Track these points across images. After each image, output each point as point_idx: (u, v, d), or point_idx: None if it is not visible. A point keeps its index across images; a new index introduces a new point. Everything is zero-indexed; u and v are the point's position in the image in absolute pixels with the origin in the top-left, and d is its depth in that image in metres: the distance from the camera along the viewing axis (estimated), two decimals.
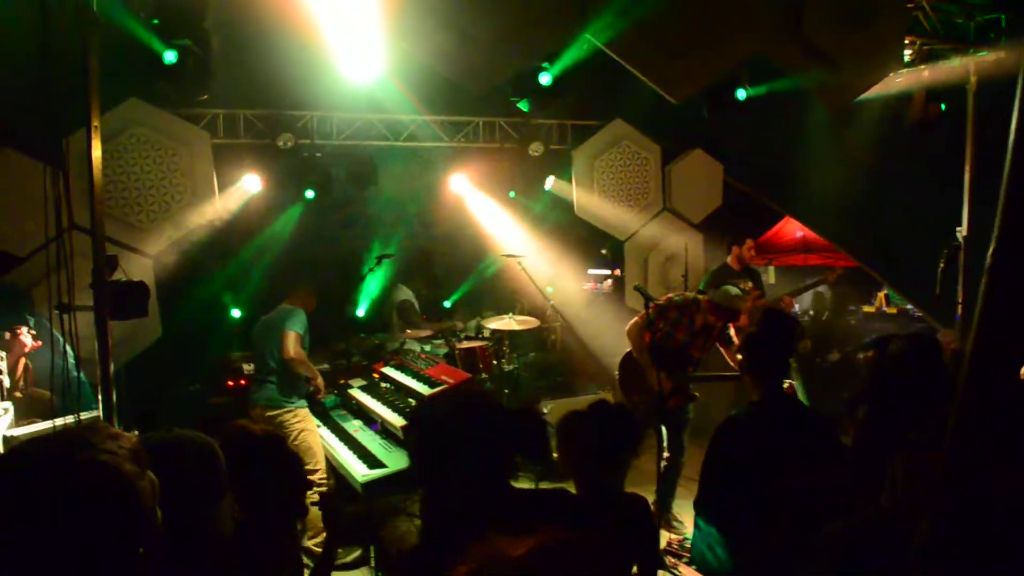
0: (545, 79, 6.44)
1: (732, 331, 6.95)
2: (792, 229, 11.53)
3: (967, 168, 7.33)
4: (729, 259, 8.69)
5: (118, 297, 4.96)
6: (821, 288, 11.01)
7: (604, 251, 11.29)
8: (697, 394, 6.86)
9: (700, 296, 6.80)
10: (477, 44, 5.04)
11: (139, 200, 7.42)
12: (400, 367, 6.99)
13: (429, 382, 6.39)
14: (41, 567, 1.33)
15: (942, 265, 7.15)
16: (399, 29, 5.09)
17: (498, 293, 9.72)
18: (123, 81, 6.83)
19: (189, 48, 5.06)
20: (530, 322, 8.14)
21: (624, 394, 6.96)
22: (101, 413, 5.15)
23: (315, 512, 6.13)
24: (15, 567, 1.32)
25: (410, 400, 6.36)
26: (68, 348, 5.76)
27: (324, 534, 6.17)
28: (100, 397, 5.12)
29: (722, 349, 6.95)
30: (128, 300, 5.03)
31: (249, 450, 2.71)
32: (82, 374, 5.74)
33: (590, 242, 10.52)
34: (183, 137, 7.60)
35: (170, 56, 5.10)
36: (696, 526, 3.83)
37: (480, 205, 9.68)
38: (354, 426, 6.60)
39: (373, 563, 6.04)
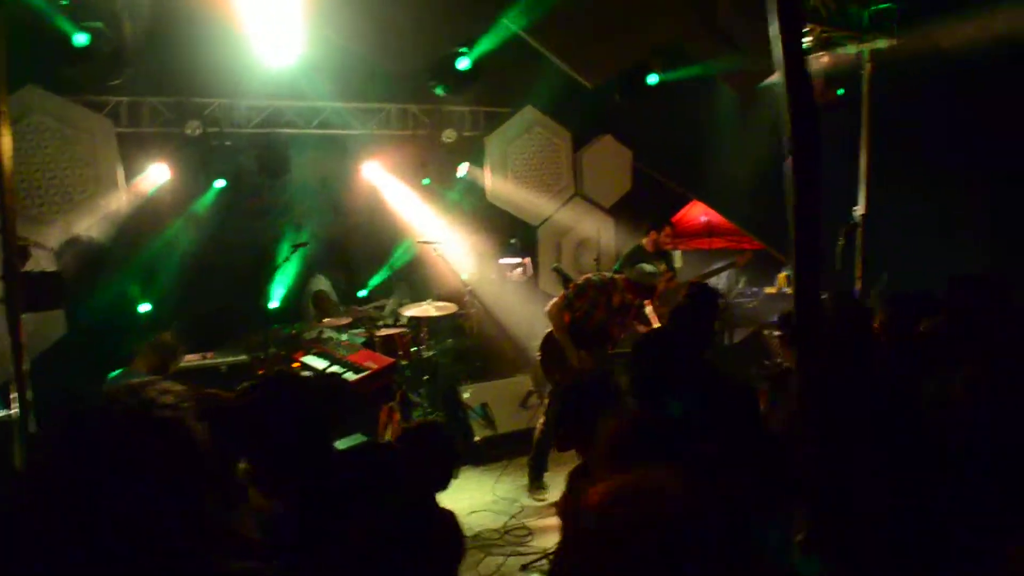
0: (464, 64, 6.49)
1: (648, 309, 7.15)
2: (697, 214, 11.87)
3: (864, 150, 7.69)
4: (644, 241, 8.93)
5: (31, 288, 4.79)
6: (729, 272, 11.37)
7: (513, 240, 11.40)
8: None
9: (617, 276, 6.99)
10: (398, 29, 5.06)
11: (39, 191, 7.14)
12: (322, 355, 6.96)
13: (353, 368, 6.39)
14: (131, 518, 1.40)
15: (841, 243, 7.51)
16: (320, 13, 5.07)
17: (415, 280, 9.71)
18: (20, 66, 6.55)
19: (101, 31, 4.90)
20: (448, 308, 8.19)
21: (546, 374, 7.09)
22: (18, 410, 4.97)
23: None
24: (107, 521, 1.38)
25: None
26: None
27: None
28: (15, 395, 4.95)
29: (640, 327, 7.15)
30: (41, 291, 4.88)
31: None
32: None
33: (502, 230, 10.62)
34: (85, 125, 7.34)
35: (81, 39, 4.93)
36: None
37: (395, 192, 9.65)
38: None
39: None
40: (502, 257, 11.26)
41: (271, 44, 5.64)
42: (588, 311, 6.79)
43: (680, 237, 12.07)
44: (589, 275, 7.05)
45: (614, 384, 3.75)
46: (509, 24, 5.46)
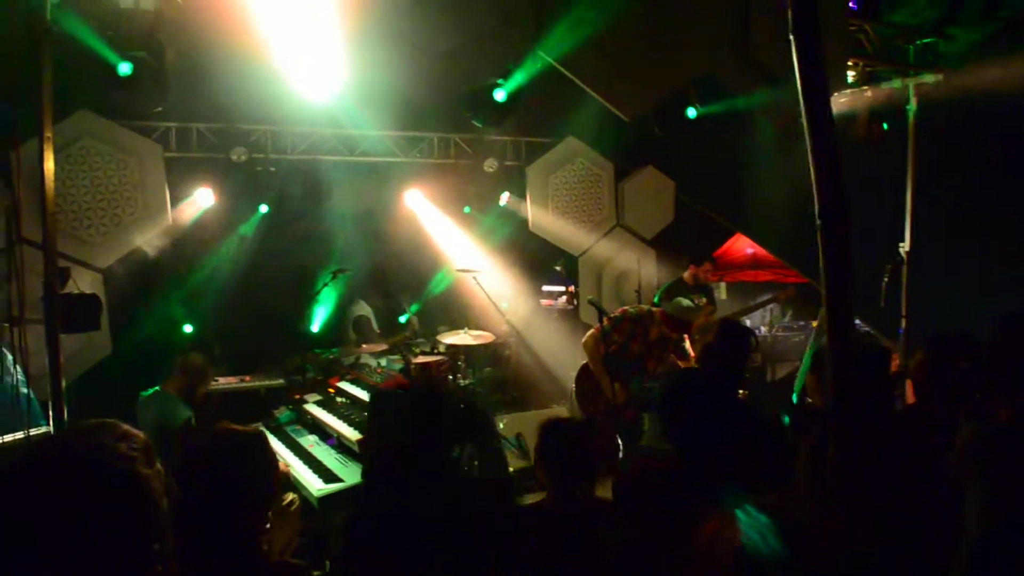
0: (500, 95, 6.52)
1: (687, 344, 7.07)
2: (742, 246, 11.73)
3: (908, 186, 7.56)
4: (685, 275, 8.86)
5: (69, 310, 4.91)
6: (772, 305, 11.21)
7: (558, 267, 11.37)
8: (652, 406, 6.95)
9: (655, 309, 6.92)
10: (434, 59, 5.11)
11: (89, 213, 7.32)
12: (356, 381, 6.98)
13: None
14: (61, 567, 1.35)
15: (886, 279, 7.37)
16: (357, 44, 5.14)
17: (453, 308, 9.74)
18: (72, 93, 6.77)
19: (144, 60, 5.05)
20: (485, 337, 8.17)
21: (580, 406, 7.04)
22: (52, 429, 5.08)
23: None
24: (36, 568, 1.34)
25: (365, 414, 6.34)
26: (16, 364, 5.68)
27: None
28: (51, 413, 5.05)
29: (678, 362, 7.06)
30: (79, 313, 4.99)
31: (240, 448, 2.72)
32: (31, 391, 5.65)
33: (544, 258, 10.61)
34: (134, 149, 7.52)
35: (125, 68, 5.08)
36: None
37: (435, 221, 9.72)
38: (309, 441, 6.56)
39: None
40: (545, 284, 11.24)
41: (311, 74, 5.72)
42: (624, 344, 6.73)
43: (725, 269, 11.95)
44: (626, 308, 7.00)
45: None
46: (544, 55, 5.46)
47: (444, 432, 2.65)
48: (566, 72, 5.66)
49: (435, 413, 2.72)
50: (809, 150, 2.47)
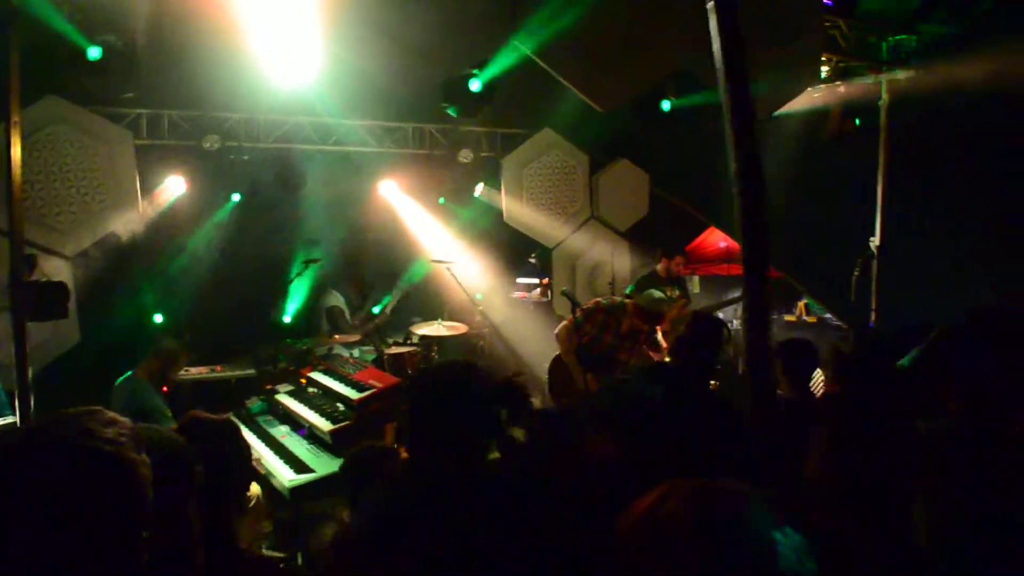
0: (475, 85, 6.50)
1: (660, 335, 7.10)
2: (716, 239, 11.81)
3: (880, 181, 7.64)
4: (658, 267, 8.89)
5: (36, 298, 4.84)
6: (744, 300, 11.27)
7: (532, 259, 11.39)
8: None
9: (627, 301, 6.95)
10: (409, 50, 5.08)
11: (57, 200, 7.22)
12: (328, 372, 6.95)
13: (357, 386, 6.36)
14: (51, 554, 1.32)
15: (856, 273, 7.46)
16: (333, 34, 5.10)
17: (427, 299, 9.71)
18: (40, 78, 6.65)
19: (113, 44, 4.97)
20: (459, 328, 8.18)
21: (552, 397, 7.05)
22: (17, 420, 5.01)
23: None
24: (24, 555, 1.31)
25: (338, 405, 6.32)
26: None
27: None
28: (17, 403, 4.98)
29: (651, 353, 7.09)
30: (46, 301, 4.93)
31: (212, 436, 2.69)
32: None
33: (519, 250, 10.62)
34: (104, 136, 7.43)
35: (94, 52, 4.99)
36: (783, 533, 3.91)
37: (410, 211, 9.68)
38: (281, 431, 6.52)
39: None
40: (520, 276, 11.25)
41: (286, 62, 5.67)
42: (596, 335, 6.75)
43: (698, 263, 12.03)
44: (599, 299, 7.02)
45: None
46: (520, 46, 5.44)
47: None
48: (542, 64, 5.65)
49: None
50: (726, 121, 2.54)
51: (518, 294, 11.49)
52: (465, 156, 9.14)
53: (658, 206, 10.39)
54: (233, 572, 2.41)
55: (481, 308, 8.65)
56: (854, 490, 2.96)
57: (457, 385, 2.64)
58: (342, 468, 4.23)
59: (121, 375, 6.31)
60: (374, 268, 9.92)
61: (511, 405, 2.68)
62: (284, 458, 5.96)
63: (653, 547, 1.42)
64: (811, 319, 11.66)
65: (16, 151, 4.60)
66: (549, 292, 10.37)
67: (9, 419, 5.31)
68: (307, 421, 6.27)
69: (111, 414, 1.51)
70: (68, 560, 1.34)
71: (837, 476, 3.07)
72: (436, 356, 8.22)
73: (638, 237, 10.25)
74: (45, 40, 5.17)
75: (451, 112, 6.69)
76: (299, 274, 8.04)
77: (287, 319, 9.10)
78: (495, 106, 7.45)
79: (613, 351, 6.81)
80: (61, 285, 4.97)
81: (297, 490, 5.51)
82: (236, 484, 2.78)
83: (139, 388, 5.99)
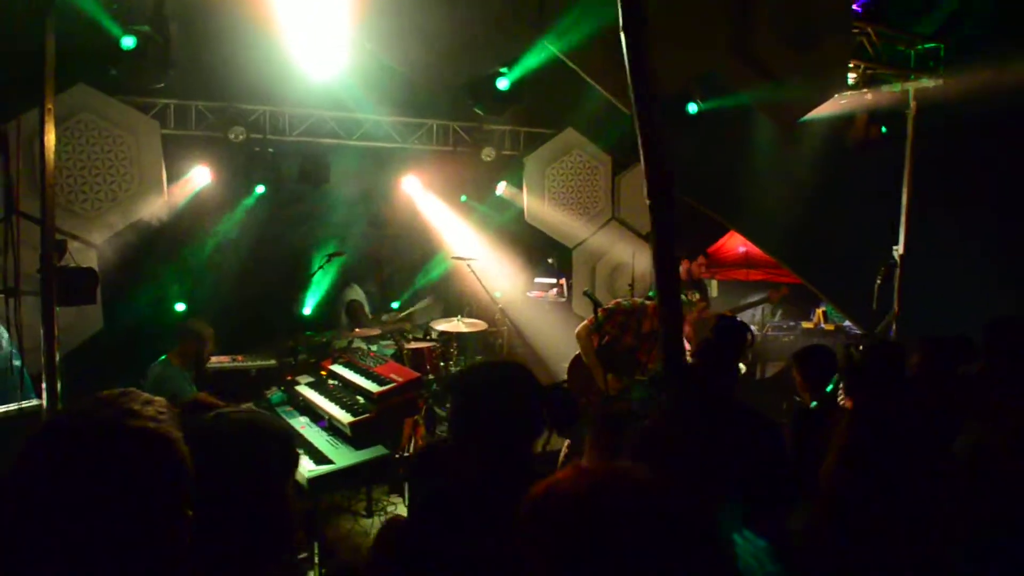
0: (503, 84, 6.51)
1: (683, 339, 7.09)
2: (735, 244, 11.76)
3: (905, 189, 7.62)
4: (679, 269, 8.88)
5: (66, 283, 4.89)
6: (763, 305, 11.24)
7: (550, 260, 11.38)
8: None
9: (648, 302, 6.95)
10: (439, 46, 5.10)
11: (84, 188, 7.31)
12: (349, 364, 6.98)
13: (378, 379, 6.40)
14: (106, 534, 1.33)
15: (879, 281, 7.43)
16: (364, 28, 5.13)
17: (447, 295, 9.75)
18: (70, 66, 6.72)
19: (148, 34, 5.01)
20: (478, 325, 8.20)
21: None
22: (44, 403, 5.06)
23: None
24: (81, 536, 1.32)
25: (358, 397, 6.36)
26: (9, 336, 5.67)
27: None
28: (44, 386, 5.04)
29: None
30: (76, 286, 4.98)
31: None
32: (24, 364, 5.64)
33: (539, 249, 10.63)
34: (132, 125, 7.50)
35: (128, 42, 5.03)
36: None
37: (431, 207, 9.72)
38: (300, 423, 6.55)
39: (317, 561, 6.01)
40: (537, 276, 11.27)
41: (315, 55, 5.71)
42: (617, 336, 6.75)
43: (717, 267, 11.99)
44: (619, 300, 7.02)
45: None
46: (549, 45, 5.46)
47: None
48: (570, 63, 5.66)
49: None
50: (638, 137, 2.60)
51: (535, 293, 11.50)
52: (488, 154, 9.17)
53: (679, 209, 10.35)
54: None
55: (501, 306, 8.67)
56: (864, 504, 2.96)
57: (510, 384, 2.67)
58: (410, 463, 4.22)
59: (143, 362, 6.39)
60: (396, 263, 9.97)
61: (560, 412, 2.70)
62: (303, 449, 6.00)
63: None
64: (829, 327, 11.59)
65: (50, 138, 4.65)
66: (566, 292, 10.37)
67: (35, 402, 5.37)
68: (327, 413, 6.31)
69: (145, 394, 1.51)
70: (121, 538, 1.34)
71: (847, 489, 3.08)
72: (455, 352, 8.24)
73: None
74: (78, 28, 5.22)
75: (478, 110, 6.70)
76: (321, 267, 8.08)
77: (307, 311, 9.16)
78: (521, 105, 7.47)
79: (633, 352, 6.81)
80: (90, 271, 5.04)
81: (316, 481, 5.54)
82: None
83: (170, 374, 6.09)
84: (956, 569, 2.66)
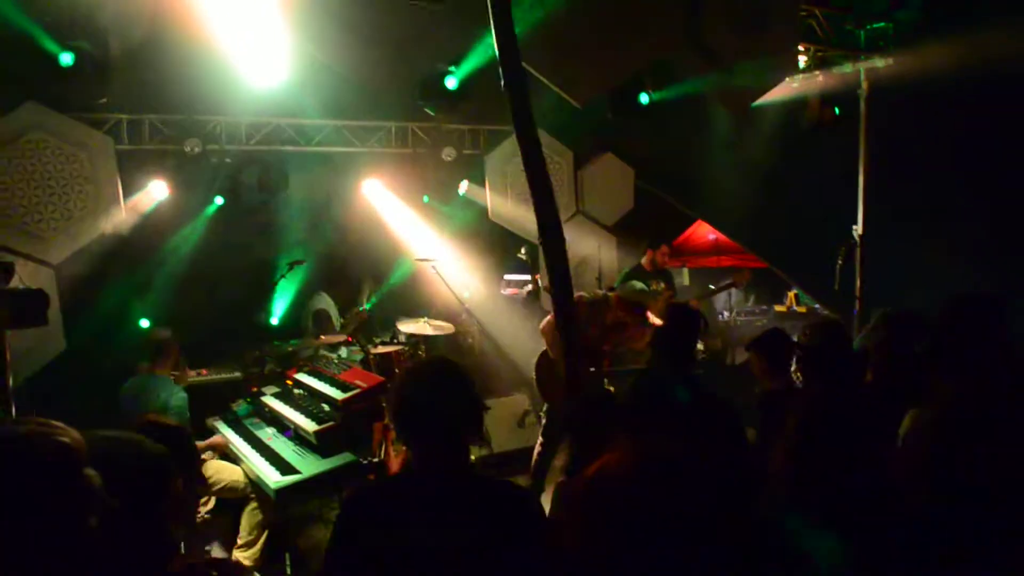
0: (451, 83, 6.49)
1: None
2: (705, 232, 11.80)
3: (861, 168, 7.66)
4: (643, 260, 8.90)
5: (14, 305, 4.83)
6: (733, 290, 11.27)
7: (521, 254, 11.27)
8: (611, 388, 6.97)
9: (610, 294, 6.96)
10: (380, 47, 5.07)
11: (39, 207, 7.21)
12: (313, 373, 6.95)
13: (343, 386, 6.37)
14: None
15: (840, 262, 7.47)
16: (302, 31, 5.09)
17: (413, 298, 9.70)
18: (19, 85, 6.65)
19: (85, 50, 4.95)
20: (445, 327, 8.16)
21: (541, 394, 7.04)
22: None
23: (250, 518, 6.08)
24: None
25: (323, 405, 6.32)
26: None
27: (258, 543, 6.11)
28: None
29: (634, 345, 7.08)
30: (25, 308, 4.91)
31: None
32: None
33: (505, 246, 10.60)
34: (84, 142, 7.41)
35: (66, 58, 4.98)
36: None
37: (394, 210, 9.67)
38: (267, 433, 6.52)
39: (289, 571, 5.98)
40: (509, 273, 11.20)
41: (259, 63, 5.66)
42: (581, 329, 6.74)
43: (688, 255, 12.02)
44: (582, 293, 7.02)
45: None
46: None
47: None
48: None
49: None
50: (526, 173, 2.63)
51: (509, 291, 11.44)
52: (448, 154, 9.13)
53: (644, 200, 10.40)
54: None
55: (467, 306, 8.64)
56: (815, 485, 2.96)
57: (437, 380, 2.71)
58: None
59: (109, 380, 6.31)
60: (360, 268, 9.91)
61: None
62: (270, 460, 5.96)
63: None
64: (801, 309, 11.65)
65: None
66: (540, 288, 10.33)
67: None
68: (292, 422, 6.27)
69: (62, 425, 1.61)
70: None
71: (800, 472, 3.07)
72: (423, 354, 8.21)
73: (625, 231, 10.25)
74: (20, 46, 5.16)
75: (429, 110, 6.69)
76: (283, 276, 8.03)
77: (274, 321, 9.10)
78: (476, 103, 7.44)
79: (599, 344, 6.82)
80: (39, 292, 4.96)
81: (283, 491, 5.51)
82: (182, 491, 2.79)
83: (168, 387, 6.05)
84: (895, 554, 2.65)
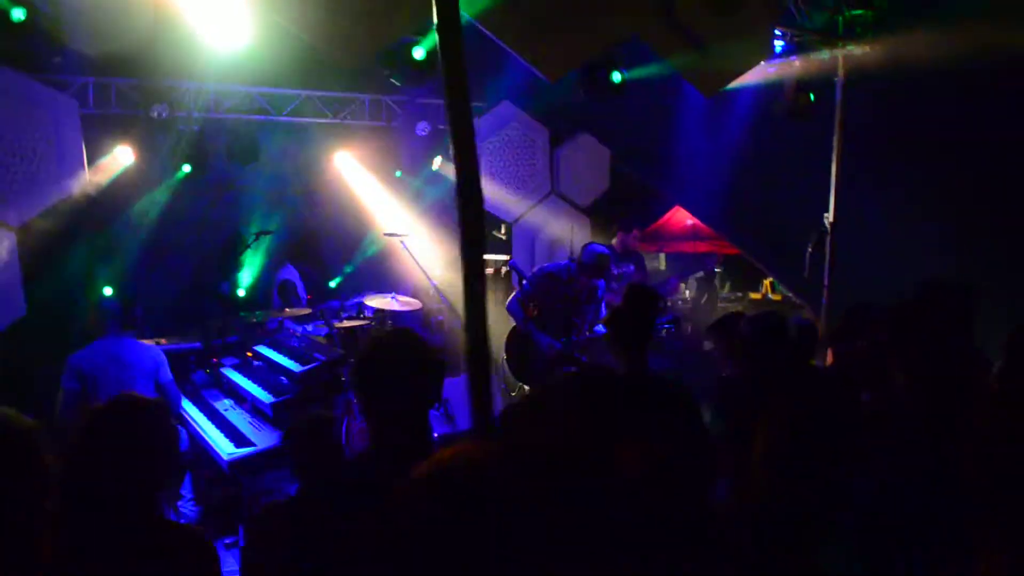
0: (419, 53, 6.37)
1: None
2: (683, 217, 11.74)
3: (835, 156, 7.59)
4: (613, 241, 8.84)
5: None
6: (703, 274, 11.23)
7: (501, 233, 11.10)
8: (584, 358, 6.90)
9: (571, 262, 6.89)
10: (344, 14, 4.95)
11: (0, 170, 7.06)
12: (274, 345, 6.88)
13: (302, 359, 6.31)
14: None
15: (810, 250, 7.42)
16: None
17: (380, 273, 9.60)
18: None
19: (38, 5, 4.83)
20: (412, 303, 8.08)
21: (516, 377, 6.97)
22: None
23: None
24: None
25: (281, 378, 6.26)
26: None
27: None
28: None
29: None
30: None
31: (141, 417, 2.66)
32: None
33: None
34: (48, 105, 7.25)
35: (18, 13, 4.85)
36: None
37: (365, 184, 9.57)
38: (224, 405, 6.47)
39: (242, 544, 5.92)
40: (486, 253, 11.08)
41: (221, 29, 5.52)
42: (545, 302, 6.69)
43: (666, 240, 11.98)
44: (543, 265, 6.99)
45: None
46: (462, 11, 5.29)
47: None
48: (483, 29, 5.52)
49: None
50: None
51: (489, 271, 11.31)
52: (423, 129, 9.03)
53: (620, 182, 10.33)
54: (157, 543, 2.37)
55: (435, 284, 8.54)
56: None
57: (395, 353, 2.66)
58: (283, 439, 4.18)
59: (71, 347, 6.16)
60: (330, 242, 9.82)
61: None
62: (225, 431, 5.91)
63: None
64: (776, 297, 11.61)
65: None
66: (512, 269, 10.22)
67: None
68: (250, 394, 6.21)
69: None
70: None
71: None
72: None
73: (599, 213, 10.18)
74: None
75: (395, 81, 6.57)
76: (248, 247, 7.93)
77: (241, 292, 8.99)
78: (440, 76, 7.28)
79: (566, 315, 6.74)
80: None
81: (236, 464, 5.46)
82: (162, 464, 2.74)
83: (151, 353, 5.97)
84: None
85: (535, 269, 6.84)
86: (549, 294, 6.67)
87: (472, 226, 2.50)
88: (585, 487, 2.39)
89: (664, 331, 6.77)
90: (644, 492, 2.89)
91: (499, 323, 8.40)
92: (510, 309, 6.86)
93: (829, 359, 5.17)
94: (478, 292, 2.53)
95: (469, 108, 2.49)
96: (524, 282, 6.40)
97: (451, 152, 2.48)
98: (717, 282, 12.02)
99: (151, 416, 2.78)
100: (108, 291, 8.37)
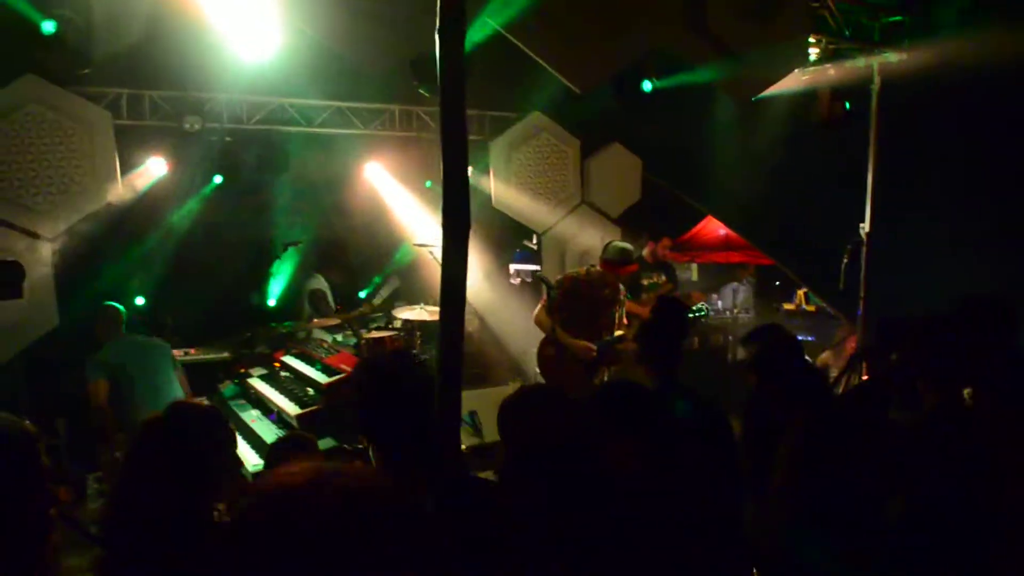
0: None
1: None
2: (715, 227, 11.62)
3: (870, 166, 7.46)
4: (644, 252, 8.75)
5: None
6: (738, 285, 11.10)
7: (533, 243, 11.03)
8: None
9: (595, 268, 6.77)
10: (373, 23, 4.94)
11: (35, 181, 7.12)
12: (301, 355, 6.87)
13: (328, 370, 6.28)
14: None
15: (845, 260, 7.28)
16: (294, 7, 4.98)
17: (411, 283, 9.59)
18: (17, 57, 6.57)
19: (68, 18, 4.86)
20: None
21: (547, 378, 6.87)
22: None
23: None
24: None
25: (308, 389, 6.23)
26: None
27: None
28: None
29: (638, 311, 6.90)
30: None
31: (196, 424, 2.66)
32: None
33: (508, 235, 10.45)
34: (83, 117, 7.32)
35: (48, 26, 4.89)
36: None
37: (395, 194, 9.56)
38: (251, 416, 6.45)
39: None
40: (517, 263, 11.04)
41: (252, 40, 5.54)
42: (574, 306, 6.59)
43: (698, 250, 11.86)
44: (567, 271, 6.91)
45: None
46: (489, 20, 5.27)
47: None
48: (513, 39, 5.48)
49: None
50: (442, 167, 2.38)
51: (516, 280, 11.26)
52: None
53: (652, 192, 10.22)
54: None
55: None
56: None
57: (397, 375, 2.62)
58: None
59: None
60: (360, 252, 9.82)
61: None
62: (251, 443, 5.89)
63: None
64: (811, 308, 11.43)
65: None
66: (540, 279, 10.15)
67: None
68: (276, 405, 6.19)
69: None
70: None
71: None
72: (419, 341, 8.09)
73: (630, 223, 10.07)
74: (11, 19, 5.07)
75: (423, 91, 6.53)
76: (278, 257, 7.94)
77: (272, 302, 9.02)
78: (482, 88, 7.27)
79: (594, 317, 6.61)
80: (14, 263, 4.90)
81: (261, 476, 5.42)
82: (216, 470, 2.73)
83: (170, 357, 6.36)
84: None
85: (560, 276, 6.75)
86: (573, 293, 6.55)
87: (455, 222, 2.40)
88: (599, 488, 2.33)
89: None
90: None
91: (528, 333, 8.37)
92: (537, 320, 6.77)
93: (864, 374, 5.06)
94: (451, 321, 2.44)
95: (463, 115, 2.41)
96: (551, 292, 6.31)
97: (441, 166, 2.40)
98: (750, 293, 11.84)
99: (211, 421, 2.80)
100: (140, 301, 8.45)
